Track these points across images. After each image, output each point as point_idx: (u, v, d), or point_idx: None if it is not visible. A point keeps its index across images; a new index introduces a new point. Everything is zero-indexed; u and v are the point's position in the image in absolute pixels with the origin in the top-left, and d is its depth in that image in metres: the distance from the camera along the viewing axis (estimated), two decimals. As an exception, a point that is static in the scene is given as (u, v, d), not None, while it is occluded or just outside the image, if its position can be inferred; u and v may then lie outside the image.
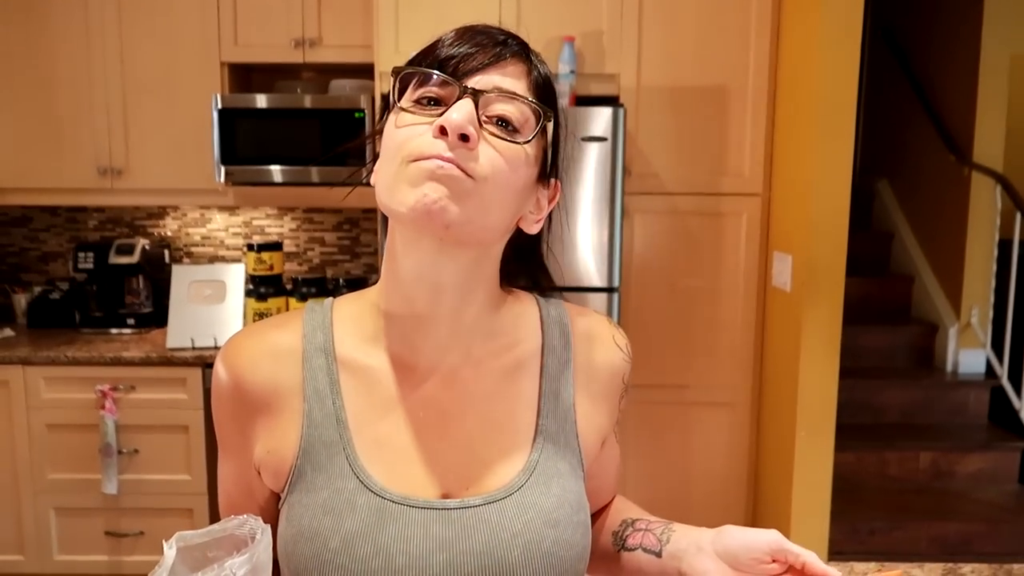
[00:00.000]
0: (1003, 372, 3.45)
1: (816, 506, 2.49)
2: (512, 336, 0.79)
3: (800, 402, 2.43)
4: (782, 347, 2.56)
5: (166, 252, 3.16)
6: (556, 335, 0.81)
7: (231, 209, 3.21)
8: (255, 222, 3.24)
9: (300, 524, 0.71)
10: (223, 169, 2.76)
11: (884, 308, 3.84)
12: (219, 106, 2.72)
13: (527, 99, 0.70)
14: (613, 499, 0.92)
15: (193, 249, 3.26)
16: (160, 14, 2.82)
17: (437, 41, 0.71)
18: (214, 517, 2.68)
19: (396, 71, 0.71)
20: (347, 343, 0.77)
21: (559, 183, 0.78)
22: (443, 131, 0.66)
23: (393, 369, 0.76)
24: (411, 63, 0.72)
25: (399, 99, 0.71)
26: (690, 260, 2.69)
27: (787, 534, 2.48)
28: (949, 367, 3.62)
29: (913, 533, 2.96)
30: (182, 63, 2.84)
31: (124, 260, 3.00)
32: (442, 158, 0.65)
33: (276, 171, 2.77)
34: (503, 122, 0.69)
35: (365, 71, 2.81)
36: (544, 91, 0.73)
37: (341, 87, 2.89)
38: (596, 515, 0.90)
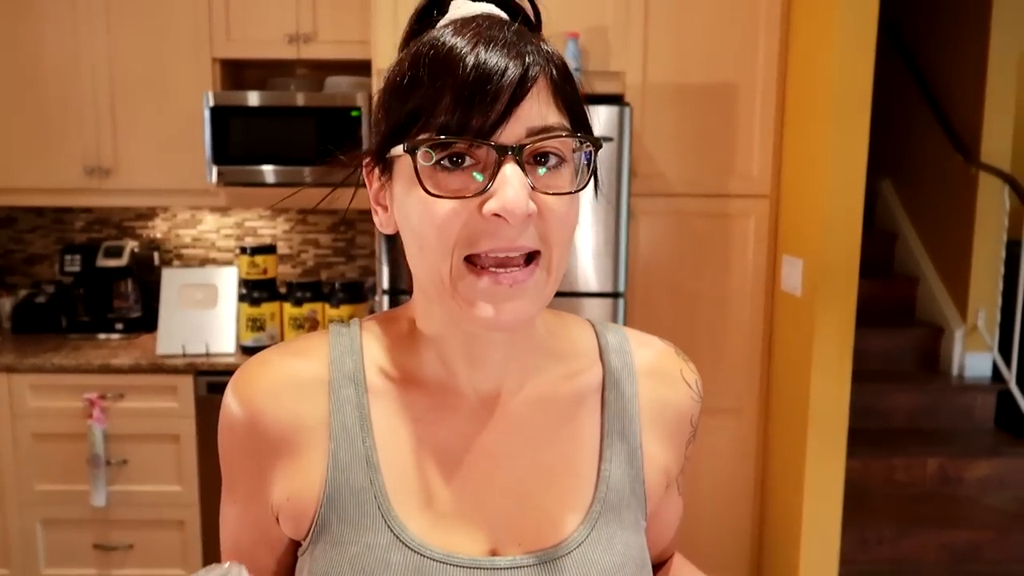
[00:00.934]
0: (1011, 376, 3.40)
1: (828, 515, 2.43)
2: (569, 366, 0.70)
3: (812, 409, 2.37)
4: (792, 353, 2.49)
5: (156, 254, 3.07)
6: (618, 367, 0.71)
7: (223, 210, 3.12)
8: (247, 223, 3.15)
9: None
10: (215, 169, 2.67)
11: (888, 310, 3.79)
12: (211, 104, 2.63)
13: (573, 135, 0.59)
14: (672, 559, 0.83)
15: (184, 251, 3.16)
16: (150, 8, 2.73)
17: (443, 61, 0.56)
18: (206, 529, 2.59)
19: (411, 148, 0.56)
20: (380, 371, 0.67)
21: None
22: (498, 215, 0.55)
23: (433, 403, 0.66)
24: (415, 107, 0.57)
25: (418, 178, 0.57)
26: (696, 263, 2.62)
27: (797, 544, 2.44)
28: (955, 371, 3.56)
29: (922, 541, 2.90)
30: (172, 59, 2.75)
31: (112, 263, 2.91)
32: (508, 248, 0.56)
33: (270, 171, 2.68)
34: (543, 157, 0.58)
35: (362, 68, 2.73)
36: (571, 94, 0.61)
37: (337, 84, 2.81)
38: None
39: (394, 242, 2.51)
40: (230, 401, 0.66)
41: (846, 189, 2.30)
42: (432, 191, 0.56)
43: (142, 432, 2.58)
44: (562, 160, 0.59)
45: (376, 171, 0.64)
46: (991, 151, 3.43)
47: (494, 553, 0.63)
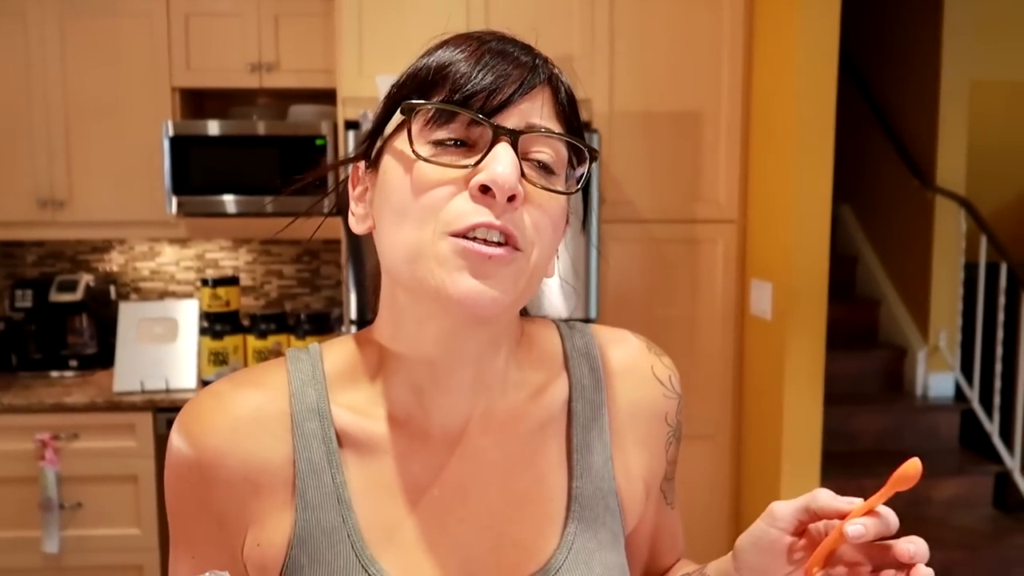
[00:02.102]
0: (973, 395, 3.45)
1: (803, 541, 2.42)
2: (535, 382, 0.67)
3: (785, 433, 2.37)
4: (764, 376, 2.50)
5: (112, 288, 2.97)
6: (585, 373, 0.68)
7: (182, 242, 3.04)
8: (208, 255, 3.08)
9: None
10: (175, 199, 2.60)
11: (851, 333, 3.83)
12: (171, 133, 2.57)
13: (571, 138, 0.59)
14: (675, 564, 0.79)
15: (141, 284, 3.07)
16: (106, 35, 2.67)
17: (444, 63, 0.57)
18: (166, 574, 2.48)
19: (408, 108, 0.57)
20: (344, 401, 0.63)
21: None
22: (484, 189, 0.54)
23: (401, 435, 0.62)
24: (415, 91, 0.58)
25: (409, 137, 0.57)
26: (666, 289, 2.62)
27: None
28: (919, 391, 3.61)
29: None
30: (130, 88, 2.69)
31: (66, 298, 2.81)
32: (491, 227, 0.54)
33: (231, 201, 2.62)
34: (539, 164, 0.58)
35: (326, 97, 2.70)
36: (574, 115, 0.62)
37: (300, 113, 2.77)
38: None
39: (362, 269, 2.45)
40: (179, 443, 0.60)
41: (812, 212, 2.33)
42: (424, 156, 0.56)
43: (98, 473, 2.47)
44: (552, 171, 0.59)
45: (362, 169, 0.63)
46: (946, 175, 3.52)
47: None
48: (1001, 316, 3.32)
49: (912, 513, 3.17)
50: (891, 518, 0.56)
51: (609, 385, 0.68)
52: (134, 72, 2.69)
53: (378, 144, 0.61)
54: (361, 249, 2.30)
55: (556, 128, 0.59)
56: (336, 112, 2.53)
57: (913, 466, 0.56)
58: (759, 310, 2.51)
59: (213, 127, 2.61)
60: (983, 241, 3.38)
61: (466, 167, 0.55)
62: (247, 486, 0.60)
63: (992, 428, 3.34)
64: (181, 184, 2.60)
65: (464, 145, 0.56)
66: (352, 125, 2.44)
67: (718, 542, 2.69)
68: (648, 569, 0.76)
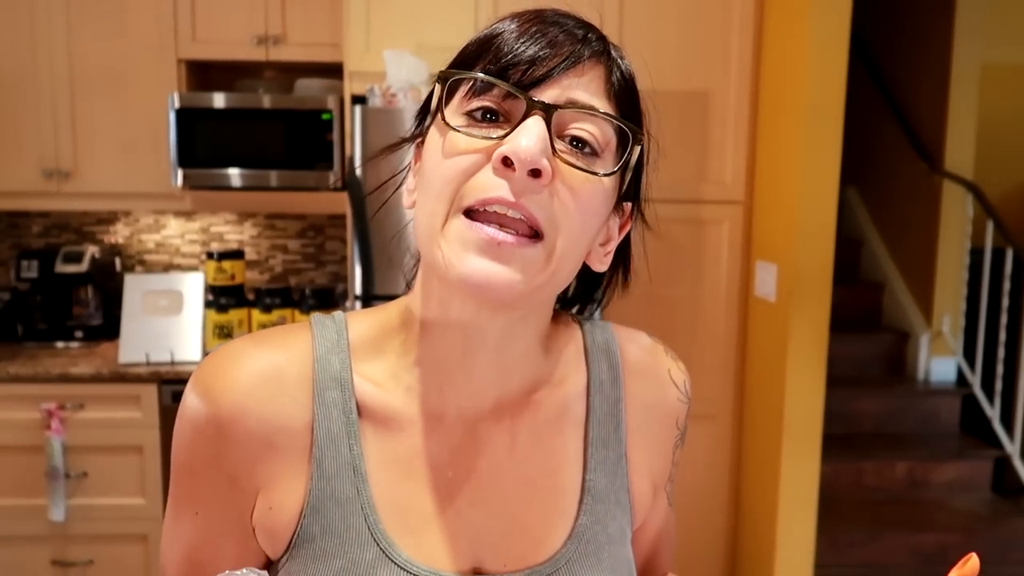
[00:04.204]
0: (975, 380, 3.46)
1: (802, 519, 2.44)
2: (555, 375, 0.66)
3: (787, 414, 2.38)
4: (766, 358, 2.50)
5: (117, 260, 2.98)
6: (604, 368, 0.67)
7: (187, 215, 3.04)
8: (213, 228, 3.08)
9: None
10: (180, 172, 2.60)
11: (854, 316, 3.83)
12: (176, 105, 2.56)
13: (612, 116, 0.56)
14: None
15: (146, 257, 3.08)
16: (112, 6, 2.65)
17: (494, 33, 0.56)
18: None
19: (443, 76, 0.56)
20: (367, 373, 0.62)
21: (631, 206, 0.65)
22: (507, 162, 0.52)
23: (421, 413, 0.62)
24: (460, 62, 0.57)
25: (444, 108, 0.56)
26: (671, 269, 2.62)
27: (772, 548, 2.43)
28: (921, 375, 3.62)
29: (892, 544, 2.93)
30: (136, 59, 2.67)
31: (71, 269, 2.81)
32: (506, 203, 0.52)
33: (236, 175, 2.62)
34: (579, 143, 0.55)
35: (333, 71, 2.68)
36: (628, 99, 0.59)
37: (307, 87, 2.75)
38: None
39: (367, 245, 2.44)
40: (197, 397, 0.59)
41: (819, 195, 2.32)
42: (450, 123, 0.55)
43: (103, 443, 2.49)
44: (596, 153, 0.56)
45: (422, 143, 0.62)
46: (954, 160, 3.50)
47: (478, 571, 0.61)
48: (1005, 301, 3.32)
49: (912, 496, 3.19)
50: None
51: (627, 383, 0.68)
52: (140, 43, 2.67)
53: (428, 119, 0.60)
54: (366, 225, 2.30)
55: (603, 107, 0.56)
56: (343, 86, 2.52)
57: (972, 566, 0.55)
58: (763, 292, 2.51)
59: (219, 100, 2.60)
60: (989, 226, 3.37)
61: (493, 139, 0.53)
62: (263, 446, 0.59)
63: (993, 413, 3.35)
64: (187, 157, 2.59)
65: (499, 119, 0.55)
66: (359, 100, 2.43)
67: (717, 521, 2.71)
68: (644, 568, 0.76)
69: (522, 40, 0.55)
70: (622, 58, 0.60)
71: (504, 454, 0.63)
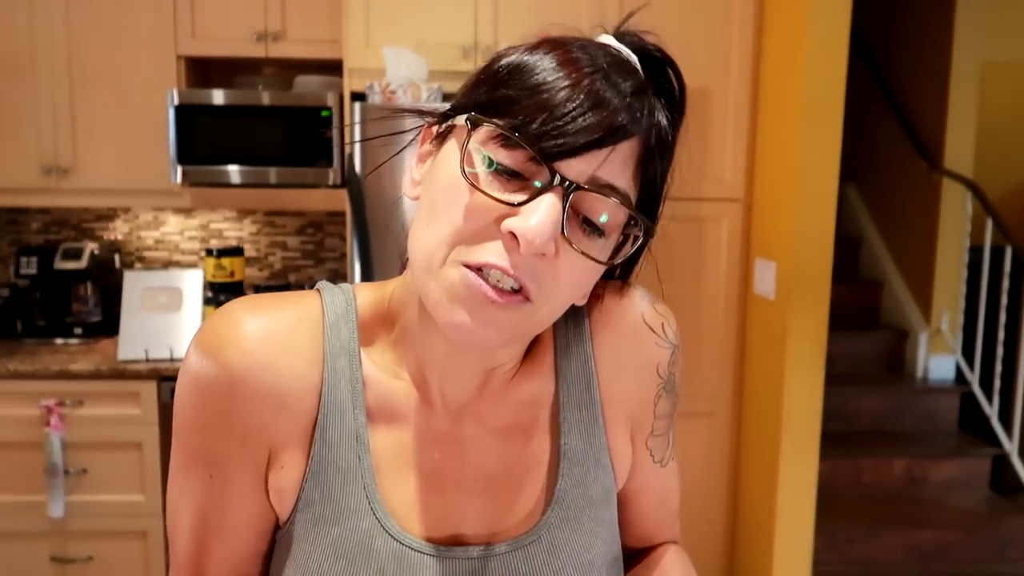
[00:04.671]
0: (974, 379, 3.46)
1: (801, 516, 2.44)
2: (523, 342, 0.66)
3: (786, 412, 2.38)
4: (765, 356, 2.50)
5: (116, 257, 2.98)
6: (571, 327, 0.67)
7: (187, 211, 3.04)
8: (212, 225, 3.08)
9: (307, 568, 0.59)
10: (179, 169, 2.60)
11: (853, 314, 3.83)
12: (176, 102, 2.56)
13: (624, 205, 0.55)
14: (665, 549, 0.75)
15: (146, 254, 3.07)
16: (111, 2, 2.64)
17: (534, 85, 0.53)
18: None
19: (474, 121, 0.54)
20: (370, 346, 0.63)
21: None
22: (515, 235, 0.52)
23: (411, 398, 0.63)
24: (498, 96, 0.54)
25: (462, 154, 0.54)
26: (670, 267, 2.60)
27: (771, 545, 2.44)
28: (919, 373, 3.62)
29: (890, 542, 2.93)
30: (135, 55, 2.67)
31: (71, 265, 2.81)
32: (505, 272, 0.52)
33: (236, 171, 2.62)
34: (588, 223, 0.55)
35: (332, 68, 2.68)
36: (656, 178, 0.58)
37: (306, 84, 2.75)
38: (637, 559, 0.74)
39: (367, 243, 2.44)
40: (205, 353, 0.58)
41: (819, 192, 2.32)
42: (468, 175, 0.53)
43: (102, 440, 2.49)
44: (602, 233, 0.55)
45: (434, 131, 0.60)
46: (954, 157, 3.50)
47: (465, 543, 0.62)
48: (1004, 300, 3.32)
49: (910, 493, 3.20)
50: None
51: (595, 337, 0.66)
52: (139, 40, 2.67)
53: (452, 121, 0.58)
54: (366, 222, 2.30)
55: (626, 181, 0.55)
56: (342, 83, 2.52)
57: None
58: (763, 289, 2.51)
59: (218, 96, 2.59)
60: (988, 224, 3.37)
61: (507, 204, 0.52)
62: (275, 403, 0.58)
63: (991, 411, 3.35)
64: (186, 153, 2.59)
65: (520, 176, 0.53)
66: (358, 96, 2.43)
67: (715, 518, 2.71)
68: (634, 530, 0.74)
69: (565, 107, 0.52)
70: (662, 120, 0.57)
71: (486, 434, 0.64)
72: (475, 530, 0.63)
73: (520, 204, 0.52)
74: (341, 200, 2.67)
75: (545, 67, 0.54)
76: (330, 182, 2.63)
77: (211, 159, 2.61)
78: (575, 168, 0.52)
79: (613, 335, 0.67)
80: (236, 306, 0.60)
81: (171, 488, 0.62)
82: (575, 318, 0.66)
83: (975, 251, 3.48)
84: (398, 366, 0.63)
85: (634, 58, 0.59)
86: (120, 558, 2.54)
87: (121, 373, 2.47)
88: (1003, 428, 3.31)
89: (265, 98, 2.60)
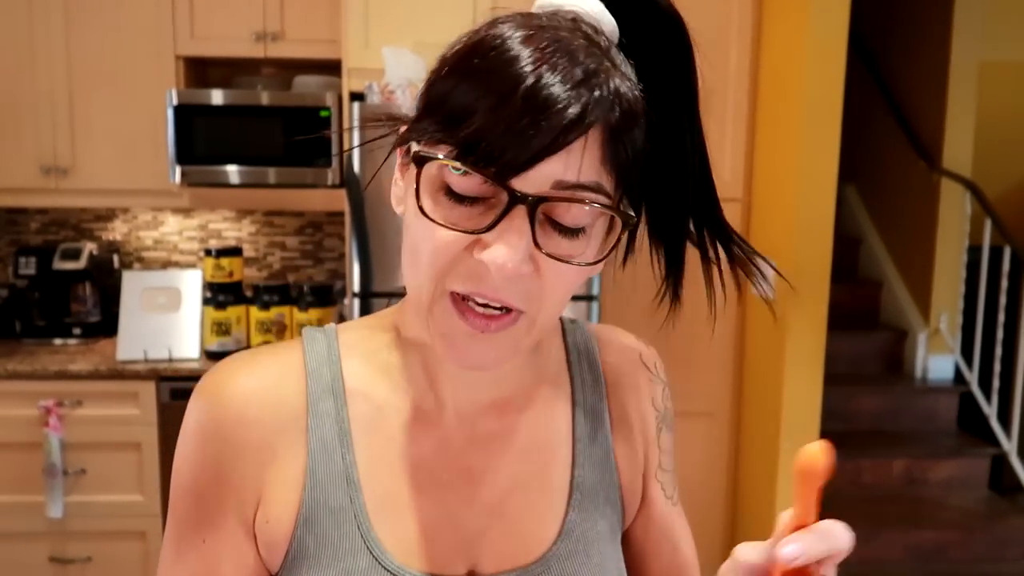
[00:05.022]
0: (973, 378, 3.46)
1: (799, 518, 2.44)
2: (542, 376, 0.67)
3: (784, 411, 2.38)
4: (764, 356, 2.50)
5: (115, 257, 2.97)
6: (585, 368, 0.69)
7: (185, 212, 3.04)
8: (211, 225, 3.07)
9: None
10: (178, 169, 2.59)
11: (853, 314, 3.83)
12: (175, 102, 2.56)
13: (602, 205, 0.51)
14: None
15: (144, 254, 3.07)
16: (110, 2, 2.64)
17: (481, 93, 0.49)
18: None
19: (418, 159, 0.51)
20: (359, 382, 0.62)
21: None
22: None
23: (412, 418, 0.63)
24: (441, 117, 0.51)
25: (417, 194, 0.52)
26: (669, 266, 2.62)
27: (770, 548, 2.44)
28: (918, 373, 3.62)
29: (889, 541, 2.93)
30: (134, 55, 2.67)
31: (70, 265, 2.81)
32: (486, 296, 0.51)
33: (235, 172, 2.62)
34: (564, 227, 0.52)
35: (331, 68, 2.68)
36: (626, 160, 0.52)
37: (305, 84, 2.75)
38: None
39: (366, 243, 2.43)
40: (200, 407, 0.60)
41: (817, 192, 2.32)
42: (429, 215, 0.51)
43: (101, 440, 2.49)
44: (583, 230, 0.52)
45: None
46: (952, 157, 3.50)
47: (474, 572, 0.61)
48: (1003, 299, 3.32)
49: (909, 493, 3.20)
50: (829, 532, 0.49)
51: (607, 379, 0.69)
52: (138, 40, 2.66)
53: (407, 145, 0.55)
54: (365, 222, 2.30)
55: (596, 171, 0.51)
56: (341, 83, 2.51)
57: (809, 454, 0.47)
58: (761, 289, 2.51)
59: (217, 96, 2.59)
60: (987, 224, 3.37)
61: (471, 233, 0.50)
62: (266, 452, 0.59)
63: (990, 411, 3.35)
64: (185, 153, 2.59)
65: (483, 198, 0.51)
66: (357, 97, 2.43)
67: (714, 518, 2.71)
68: (651, 571, 0.72)
69: (513, 114, 0.48)
70: (625, 89, 0.52)
71: (498, 453, 0.64)
72: (481, 558, 0.62)
73: (487, 230, 0.50)
74: (340, 200, 2.67)
75: (483, 70, 0.50)
76: (329, 182, 2.63)
77: (210, 159, 2.61)
78: (533, 179, 0.49)
79: (622, 378, 0.69)
80: (224, 365, 0.62)
81: (163, 563, 0.62)
82: (590, 361, 0.69)
83: (974, 251, 3.48)
84: (402, 388, 0.63)
85: (599, 14, 0.55)
86: (119, 558, 2.53)
87: (120, 373, 2.47)
88: (1002, 428, 3.31)
89: (264, 98, 2.60)
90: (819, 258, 2.35)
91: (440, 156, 0.50)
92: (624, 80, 0.52)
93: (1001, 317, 3.32)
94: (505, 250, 0.49)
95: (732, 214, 2.58)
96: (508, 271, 0.50)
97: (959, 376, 3.58)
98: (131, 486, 2.50)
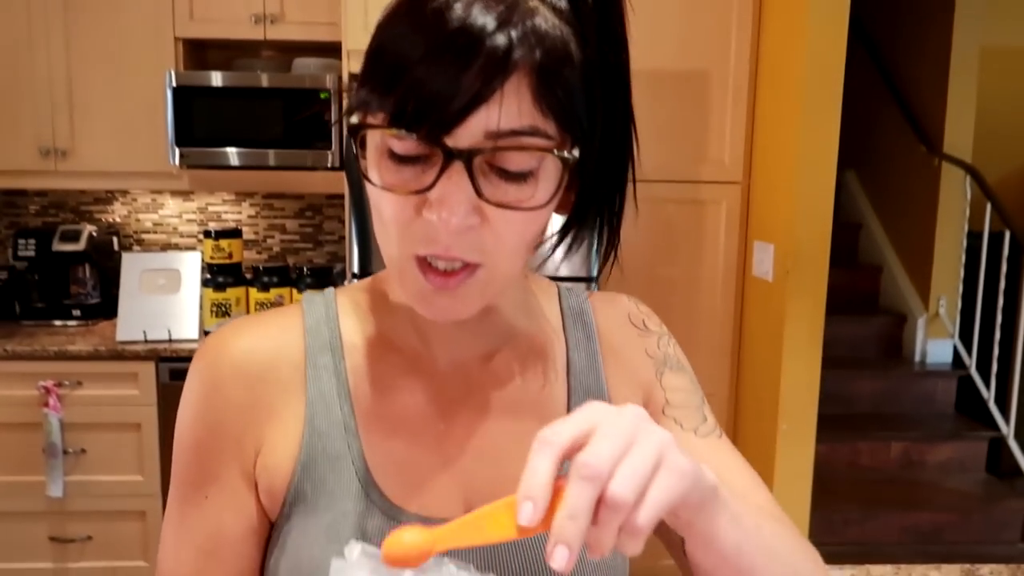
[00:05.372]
0: (971, 362, 3.47)
1: (798, 498, 2.45)
2: (536, 333, 0.69)
3: (783, 394, 2.38)
4: (763, 338, 2.51)
5: (115, 239, 2.98)
6: (579, 330, 0.70)
7: (185, 194, 3.04)
8: (211, 208, 3.07)
9: (298, 556, 0.59)
10: (177, 151, 2.59)
11: (852, 299, 3.84)
12: (174, 84, 2.55)
13: (540, 143, 0.51)
14: None
15: (144, 236, 3.07)
16: (109, -17, 2.63)
17: (395, 63, 0.50)
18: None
19: (353, 130, 0.53)
20: (356, 338, 0.65)
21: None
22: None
23: (409, 370, 0.64)
24: (375, 83, 0.52)
25: (361, 163, 0.54)
26: (668, 249, 2.62)
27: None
28: (917, 357, 3.63)
29: (886, 523, 2.95)
30: (133, 37, 2.66)
31: (69, 247, 2.81)
32: (440, 256, 0.53)
33: (234, 153, 2.61)
34: (509, 173, 0.52)
35: (330, 50, 2.67)
36: (563, 97, 0.51)
37: (305, 66, 2.74)
38: None
39: (365, 225, 2.43)
40: (200, 366, 0.62)
41: (817, 175, 2.32)
42: (376, 182, 0.53)
43: (101, 421, 2.50)
44: (531, 172, 0.52)
45: None
46: (953, 142, 3.50)
47: None
48: (1002, 284, 3.32)
49: (907, 476, 3.21)
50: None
51: (603, 339, 0.70)
52: (137, 22, 2.65)
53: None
54: (365, 204, 2.30)
55: (531, 113, 0.50)
56: (341, 65, 2.51)
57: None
58: (761, 272, 2.52)
59: (216, 78, 2.59)
60: (988, 209, 3.37)
61: (414, 194, 0.52)
62: (265, 408, 0.62)
63: (988, 395, 3.36)
64: (184, 135, 2.59)
65: (423, 157, 0.52)
66: (357, 78, 2.42)
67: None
68: None
69: (433, 73, 0.48)
70: (548, 28, 0.50)
71: (496, 407, 0.65)
72: (477, 503, 0.62)
73: (428, 189, 0.51)
74: (340, 183, 2.66)
75: (402, 32, 0.51)
76: (329, 164, 2.63)
77: (209, 141, 2.61)
78: (465, 132, 0.50)
79: (613, 336, 0.71)
80: (224, 327, 0.65)
81: (167, 525, 0.63)
82: (584, 322, 0.70)
83: (974, 236, 3.49)
84: (398, 343, 0.65)
85: None
86: (119, 538, 2.55)
87: (119, 354, 2.48)
88: (1000, 411, 3.32)
89: (264, 80, 2.60)
90: (818, 240, 2.34)
91: (374, 123, 0.52)
92: (547, 19, 0.51)
93: (1000, 301, 3.33)
94: (447, 206, 0.50)
95: (731, 198, 2.59)
96: (453, 226, 0.51)
97: (958, 360, 3.59)
98: (131, 466, 2.51)
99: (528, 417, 0.65)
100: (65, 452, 2.48)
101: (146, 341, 2.53)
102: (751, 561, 0.50)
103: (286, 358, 0.63)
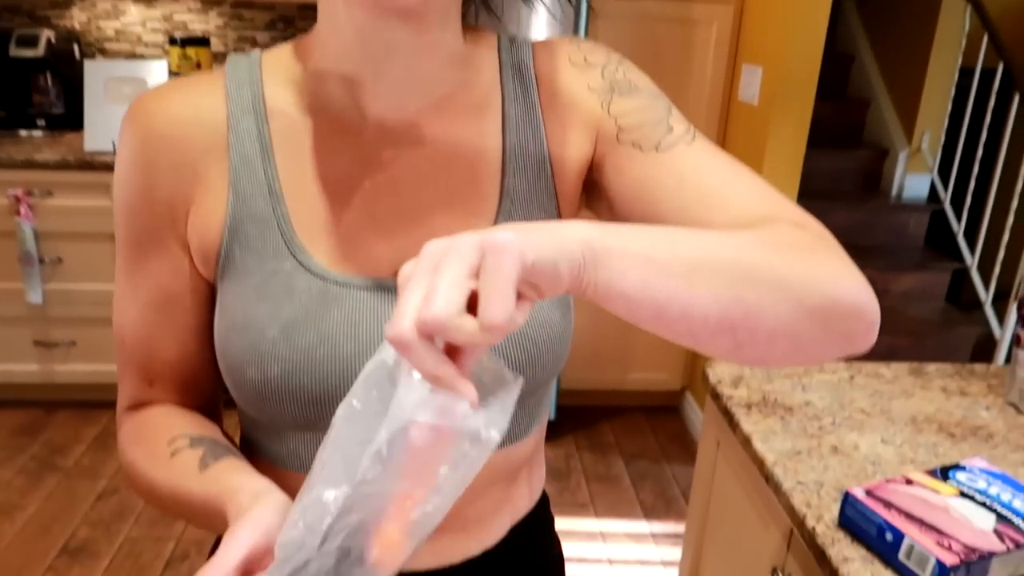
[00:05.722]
0: (946, 196, 3.50)
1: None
2: (471, 87, 0.65)
3: (757, 218, 2.40)
4: (743, 162, 2.49)
5: (76, 47, 2.83)
6: (516, 81, 0.67)
7: (148, 1, 2.86)
8: (176, 17, 2.91)
9: (233, 315, 0.61)
10: (135, -54, 2.41)
11: (837, 132, 3.80)
12: None
13: None
14: None
15: (106, 45, 2.92)
16: None
17: None
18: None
19: None
20: (280, 101, 0.63)
21: None
22: None
23: (336, 130, 0.63)
24: None
25: None
26: (656, 70, 2.54)
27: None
28: (894, 191, 3.65)
29: (846, 348, 3.08)
30: None
31: (27, 53, 2.67)
32: None
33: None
34: None
35: None
36: None
37: None
38: None
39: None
40: (129, 129, 0.62)
41: (811, 1, 2.22)
42: None
43: (75, 230, 2.49)
44: None
45: None
46: (956, -33, 3.33)
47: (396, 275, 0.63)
48: (988, 118, 3.29)
49: (869, 306, 3.32)
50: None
51: (540, 87, 0.67)
52: None
53: None
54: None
55: None
56: None
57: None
58: (747, 95, 2.46)
59: None
60: (984, 44, 3.26)
61: None
62: (189, 169, 0.61)
63: (958, 228, 3.41)
64: (140, -72, 2.40)
65: None
66: None
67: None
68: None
69: None
70: None
71: (425, 162, 0.64)
72: (406, 262, 0.62)
73: None
74: (310, -13, 2.52)
75: None
76: (298, -34, 2.47)
77: (168, -63, 2.42)
78: None
79: (556, 79, 0.67)
80: (148, 91, 0.63)
81: (118, 297, 0.66)
82: (522, 72, 0.67)
83: (966, 75, 3.40)
84: (323, 100, 0.63)
85: None
86: (102, 342, 2.61)
87: (89, 164, 2.43)
88: (967, 244, 3.39)
89: None
90: (808, 65, 2.28)
91: None
92: None
93: (983, 136, 3.30)
94: None
95: (723, 18, 2.49)
96: None
97: (934, 196, 3.61)
98: (109, 275, 2.53)
99: (460, 173, 0.64)
100: (41, 261, 2.48)
101: (115, 152, 2.46)
102: (665, 292, 0.44)
103: (208, 123, 0.62)
